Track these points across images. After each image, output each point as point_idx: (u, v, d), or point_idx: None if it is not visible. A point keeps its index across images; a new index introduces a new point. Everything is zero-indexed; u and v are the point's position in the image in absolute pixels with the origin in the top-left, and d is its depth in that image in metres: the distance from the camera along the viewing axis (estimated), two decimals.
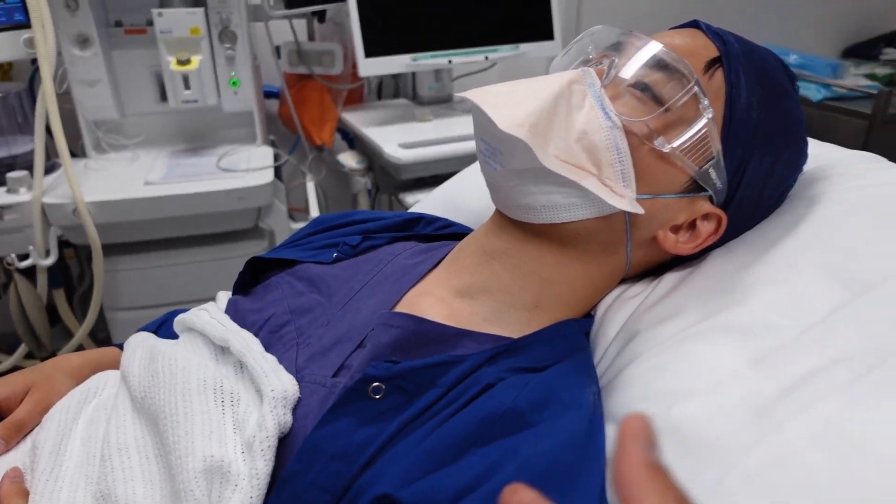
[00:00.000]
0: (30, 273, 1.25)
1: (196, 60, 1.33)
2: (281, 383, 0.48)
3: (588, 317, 0.60)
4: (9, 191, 1.20)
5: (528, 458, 0.43)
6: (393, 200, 1.63)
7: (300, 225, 1.49)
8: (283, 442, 0.46)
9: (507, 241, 0.57)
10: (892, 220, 0.52)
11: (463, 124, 1.49)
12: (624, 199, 0.51)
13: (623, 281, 0.61)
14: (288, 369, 0.51)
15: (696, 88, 0.51)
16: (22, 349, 1.33)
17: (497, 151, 0.52)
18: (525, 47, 1.51)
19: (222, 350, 0.55)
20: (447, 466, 0.44)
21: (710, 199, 0.55)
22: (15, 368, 1.37)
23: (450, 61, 1.45)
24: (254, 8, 1.41)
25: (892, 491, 0.36)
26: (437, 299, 0.56)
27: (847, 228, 0.53)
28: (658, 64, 0.52)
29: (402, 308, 0.56)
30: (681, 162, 0.52)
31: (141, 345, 0.58)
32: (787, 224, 0.56)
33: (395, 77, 1.77)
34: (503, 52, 1.49)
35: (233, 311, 0.61)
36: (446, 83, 1.63)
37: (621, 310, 0.57)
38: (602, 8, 1.81)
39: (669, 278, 0.58)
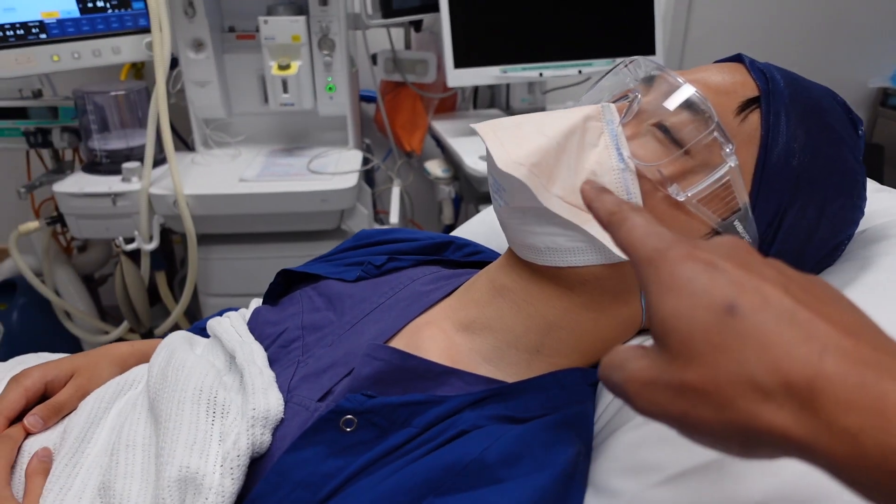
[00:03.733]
0: (135, 256, 1.37)
1: (295, 66, 1.40)
2: (266, 402, 0.49)
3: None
4: (123, 179, 1.33)
5: None
6: (474, 210, 1.63)
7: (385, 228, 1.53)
8: (260, 461, 0.48)
9: (514, 278, 0.55)
10: None
11: None
12: None
13: (644, 331, 0.57)
14: (282, 387, 0.52)
15: (715, 133, 0.46)
16: (125, 324, 1.47)
17: (501, 188, 0.50)
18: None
19: (234, 359, 0.58)
20: None
21: None
22: (119, 341, 1.52)
23: (540, 74, 1.42)
24: (353, 16, 1.46)
25: None
26: (439, 330, 0.55)
27: (892, 303, 0.46)
28: (681, 103, 0.48)
29: (402, 336, 0.56)
30: (698, 212, 0.48)
31: (168, 345, 0.61)
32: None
33: (491, 86, 1.76)
34: (598, 65, 1.44)
35: (254, 321, 0.63)
36: (538, 96, 1.59)
37: None
38: (711, 20, 1.69)
39: None
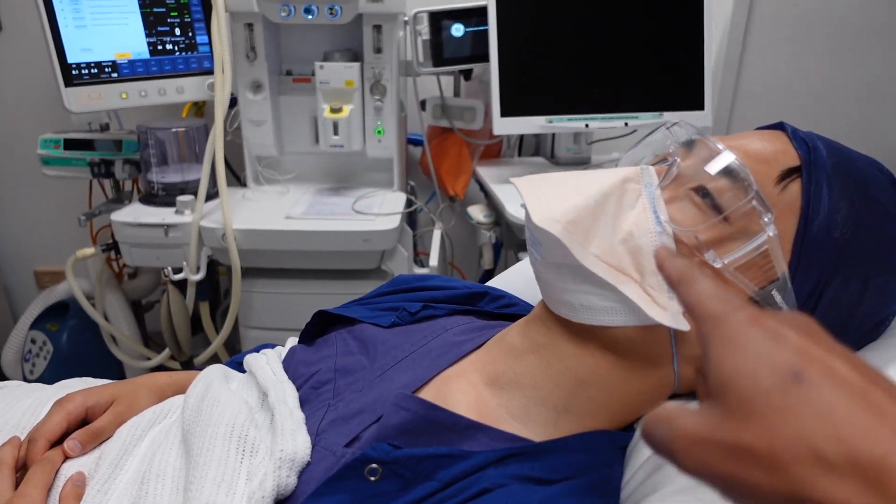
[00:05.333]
0: (181, 285, 1.42)
1: (347, 109, 1.45)
2: (293, 445, 0.50)
3: (629, 429, 0.56)
4: (176, 211, 1.38)
5: None
6: (514, 257, 1.63)
7: (424, 270, 1.54)
8: (285, 503, 0.48)
9: (545, 333, 0.55)
10: None
11: None
12: (666, 311, 0.47)
13: (677, 396, 0.56)
14: (311, 430, 0.53)
15: (754, 201, 0.46)
16: (167, 351, 1.50)
17: (537, 242, 0.51)
18: (670, 116, 1.44)
19: (266, 397, 0.59)
20: None
21: None
22: (159, 368, 1.56)
23: (587, 125, 1.43)
24: (405, 64, 1.51)
25: None
26: (468, 383, 0.55)
27: None
28: (720, 169, 0.48)
29: (431, 387, 0.56)
30: (735, 279, 0.47)
31: (205, 378, 0.62)
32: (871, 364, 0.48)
33: (537, 135, 1.78)
34: (645, 119, 1.44)
35: (289, 360, 0.64)
36: (584, 146, 1.60)
37: None
38: (762, 76, 1.67)
39: None
